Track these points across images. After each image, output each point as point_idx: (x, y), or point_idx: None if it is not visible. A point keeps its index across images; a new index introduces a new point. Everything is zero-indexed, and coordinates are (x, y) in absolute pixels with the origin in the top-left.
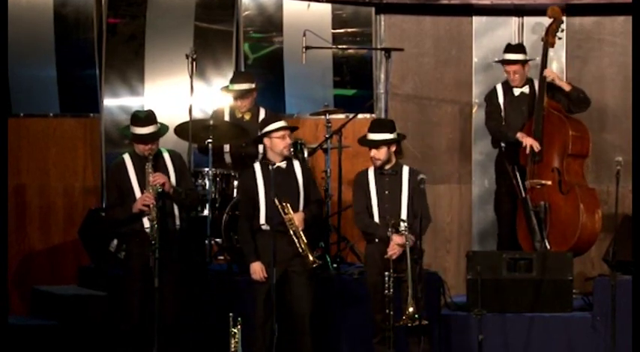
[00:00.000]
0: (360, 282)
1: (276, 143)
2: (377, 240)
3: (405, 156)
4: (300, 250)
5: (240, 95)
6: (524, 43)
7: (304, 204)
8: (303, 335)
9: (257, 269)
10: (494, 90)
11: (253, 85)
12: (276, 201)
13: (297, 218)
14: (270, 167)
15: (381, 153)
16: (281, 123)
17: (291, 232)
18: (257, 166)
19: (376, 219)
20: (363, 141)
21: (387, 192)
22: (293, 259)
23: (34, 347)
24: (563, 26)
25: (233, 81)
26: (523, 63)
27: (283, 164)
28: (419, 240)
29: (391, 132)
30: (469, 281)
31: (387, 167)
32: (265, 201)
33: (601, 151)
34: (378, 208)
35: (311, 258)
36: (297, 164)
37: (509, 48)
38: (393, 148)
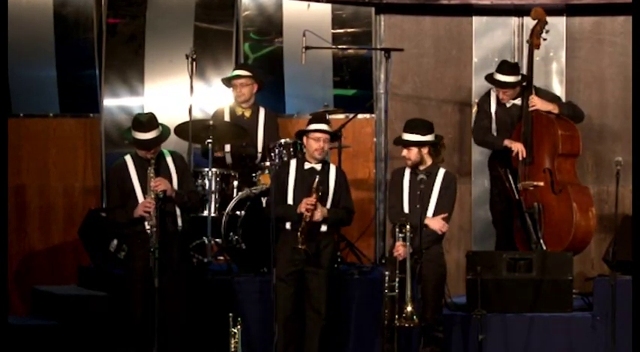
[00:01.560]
0: (360, 282)
1: (310, 143)
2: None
3: (444, 160)
4: (298, 233)
5: (239, 78)
6: (524, 44)
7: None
8: (313, 337)
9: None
10: (487, 97)
11: (251, 74)
12: (316, 181)
13: (320, 209)
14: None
15: (411, 154)
16: (320, 126)
17: (304, 215)
18: (293, 163)
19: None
20: (396, 140)
21: (419, 193)
22: (310, 260)
23: (34, 347)
24: (559, 28)
25: (233, 70)
26: (514, 86)
27: (318, 166)
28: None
29: (424, 134)
30: (469, 281)
31: (422, 168)
32: (293, 198)
33: (601, 151)
34: (409, 208)
35: (299, 244)
36: (333, 169)
37: (502, 68)
38: (425, 150)
